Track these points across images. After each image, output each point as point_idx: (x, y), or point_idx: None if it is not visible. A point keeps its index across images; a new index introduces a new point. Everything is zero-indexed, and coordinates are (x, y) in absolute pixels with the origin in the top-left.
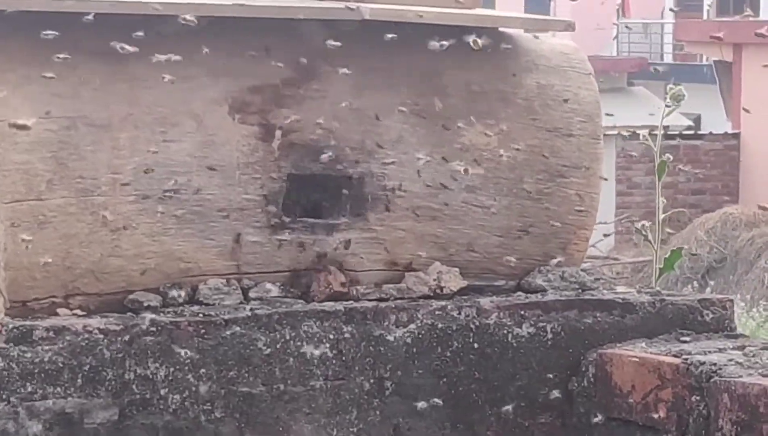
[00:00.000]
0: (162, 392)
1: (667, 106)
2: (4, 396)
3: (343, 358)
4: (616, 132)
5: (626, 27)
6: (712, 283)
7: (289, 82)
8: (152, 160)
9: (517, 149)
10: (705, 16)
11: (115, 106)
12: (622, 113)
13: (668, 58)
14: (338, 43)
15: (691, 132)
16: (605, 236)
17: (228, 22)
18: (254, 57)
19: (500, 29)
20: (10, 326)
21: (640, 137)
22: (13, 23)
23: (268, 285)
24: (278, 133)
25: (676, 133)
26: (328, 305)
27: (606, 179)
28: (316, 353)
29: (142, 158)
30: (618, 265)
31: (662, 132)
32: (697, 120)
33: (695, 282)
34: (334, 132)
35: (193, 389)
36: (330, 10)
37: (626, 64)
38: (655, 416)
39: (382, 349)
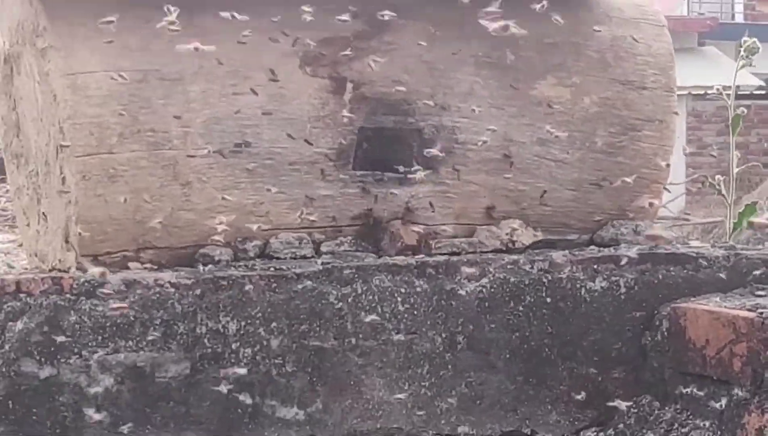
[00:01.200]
0: (233, 346)
1: (740, 58)
2: (76, 350)
3: (415, 312)
4: (686, 92)
5: None
6: None
7: (360, 35)
8: (223, 113)
9: (590, 102)
10: None
11: (185, 59)
12: (693, 73)
13: (740, 18)
14: None
15: (763, 91)
16: (668, 192)
17: None
18: (326, 9)
19: None
20: (81, 279)
21: (714, 90)
22: None
23: (340, 239)
24: (349, 86)
25: (747, 93)
26: (400, 259)
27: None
28: (388, 307)
29: (213, 111)
30: (688, 225)
31: (735, 88)
32: None
33: (766, 242)
34: (406, 85)
35: (265, 343)
36: None
37: (696, 24)
38: (730, 370)
39: (453, 303)
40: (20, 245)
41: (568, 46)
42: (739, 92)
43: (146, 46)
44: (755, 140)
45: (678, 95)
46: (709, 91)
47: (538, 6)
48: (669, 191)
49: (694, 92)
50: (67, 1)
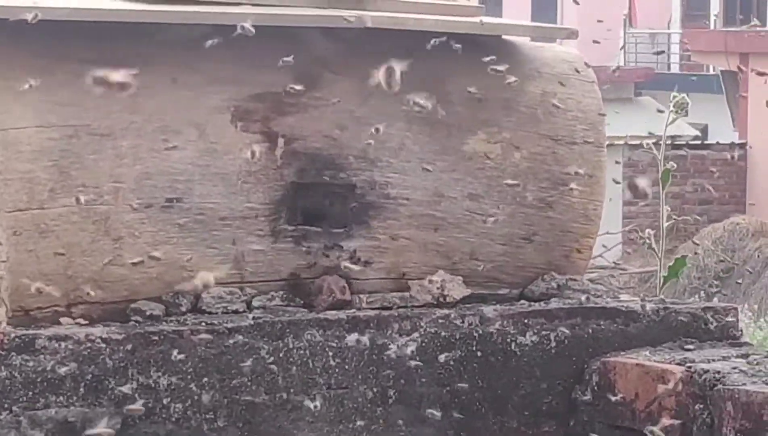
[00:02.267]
0: (165, 401)
1: (670, 113)
2: (6, 405)
3: (346, 366)
4: (622, 142)
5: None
6: (718, 292)
7: (291, 90)
8: (155, 168)
9: (521, 157)
10: (712, 26)
11: (116, 114)
12: (629, 123)
13: (675, 68)
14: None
15: (698, 142)
16: (605, 247)
17: (230, 30)
18: (257, 65)
19: (503, 37)
20: (13, 334)
21: (644, 145)
22: (13, 32)
23: (272, 293)
24: (281, 141)
25: (683, 142)
26: (331, 314)
27: (619, 183)
28: (319, 362)
29: (144, 167)
30: (625, 275)
31: (669, 142)
32: (705, 130)
33: (702, 292)
34: (338, 140)
35: (196, 398)
36: (332, 18)
37: (633, 74)
38: (659, 424)
39: (385, 357)
40: None
41: (499, 101)
42: (675, 142)
43: (77, 101)
44: (691, 190)
45: (614, 145)
46: (644, 141)
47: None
48: (605, 247)
49: (630, 142)
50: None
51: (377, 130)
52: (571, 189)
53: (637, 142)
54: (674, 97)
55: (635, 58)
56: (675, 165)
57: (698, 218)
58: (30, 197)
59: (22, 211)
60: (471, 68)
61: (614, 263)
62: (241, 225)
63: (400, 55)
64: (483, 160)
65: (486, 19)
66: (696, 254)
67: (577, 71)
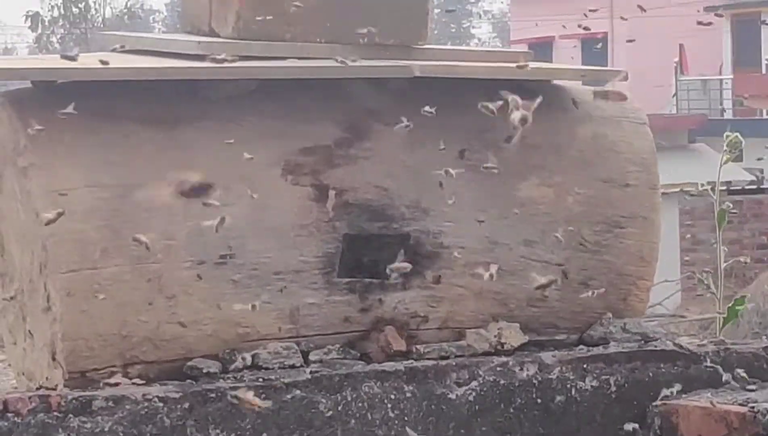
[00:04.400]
0: None
1: (724, 153)
2: None
3: (405, 418)
4: (678, 189)
5: (675, 84)
6: None
7: (340, 142)
8: (207, 224)
9: (574, 201)
10: (764, 70)
11: (167, 172)
12: (684, 170)
13: (728, 114)
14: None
15: (754, 186)
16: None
17: (278, 84)
18: (305, 118)
19: (554, 81)
20: (69, 396)
21: (698, 187)
22: (64, 93)
23: (328, 347)
24: (332, 193)
25: (739, 187)
26: (389, 365)
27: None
28: (378, 414)
29: (196, 223)
30: (685, 322)
31: (725, 188)
32: (760, 175)
33: (764, 336)
34: (389, 190)
35: None
36: (380, 68)
37: (686, 122)
38: None
39: (444, 408)
40: (8, 365)
41: (550, 146)
42: (731, 187)
43: (126, 160)
44: (749, 235)
45: (670, 193)
46: (699, 185)
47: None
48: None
49: (685, 189)
50: (46, 121)
51: (447, 172)
52: (626, 231)
53: (693, 188)
54: (727, 136)
55: (687, 105)
56: (731, 205)
57: (753, 261)
58: (82, 257)
59: (75, 272)
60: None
61: (678, 309)
62: (295, 279)
63: (449, 103)
64: (536, 205)
65: (534, 65)
66: (756, 297)
67: (628, 113)
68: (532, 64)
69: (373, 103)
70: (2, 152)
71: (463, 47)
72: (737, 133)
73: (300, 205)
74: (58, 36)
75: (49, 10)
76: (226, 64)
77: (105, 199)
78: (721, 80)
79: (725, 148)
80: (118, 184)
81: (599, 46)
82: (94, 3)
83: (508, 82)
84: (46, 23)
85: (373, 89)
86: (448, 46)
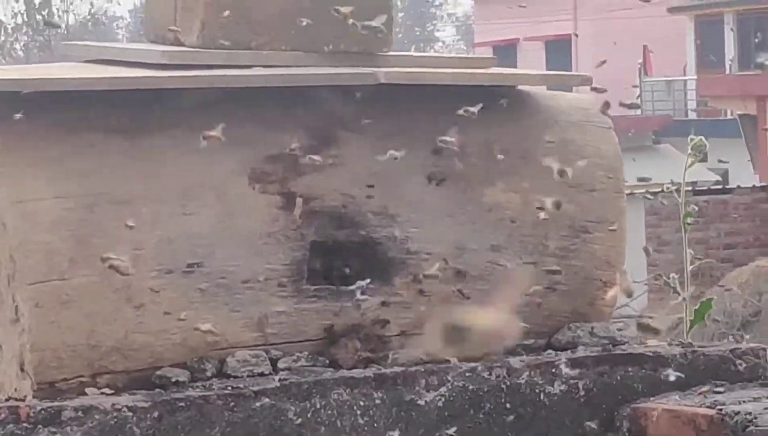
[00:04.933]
0: None
1: (689, 156)
2: None
3: (375, 424)
4: (643, 190)
5: (640, 85)
6: (747, 336)
7: (307, 150)
8: (174, 233)
9: (540, 207)
10: (728, 71)
11: (134, 181)
12: (649, 171)
13: (693, 115)
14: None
15: (719, 187)
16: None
17: (243, 91)
18: (271, 126)
19: (518, 87)
20: (38, 407)
21: (664, 189)
22: (27, 103)
23: (296, 354)
24: (299, 201)
25: (704, 188)
26: (357, 372)
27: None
28: (348, 420)
29: (164, 232)
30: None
31: (690, 188)
32: (725, 175)
33: (730, 336)
34: (356, 198)
35: None
36: (345, 75)
37: (651, 123)
38: None
39: (413, 414)
40: None
41: (517, 151)
42: (696, 188)
43: (93, 170)
44: (714, 235)
45: (635, 193)
46: (664, 188)
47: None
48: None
49: (651, 190)
50: (11, 132)
51: (397, 180)
52: (594, 236)
53: (658, 189)
54: (692, 140)
55: (652, 106)
56: (696, 208)
57: (719, 261)
58: (50, 268)
59: (43, 283)
60: (485, 120)
61: (645, 311)
62: (263, 287)
63: (414, 110)
64: (503, 210)
65: (499, 70)
66: (723, 297)
67: (594, 118)
68: (497, 70)
69: (339, 110)
70: None
71: (429, 54)
72: (701, 137)
73: (267, 214)
74: (22, 43)
75: (12, 18)
76: (190, 73)
77: (72, 210)
78: (685, 81)
79: (690, 151)
80: (84, 193)
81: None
82: (57, 10)
83: (473, 88)
84: (9, 30)
85: (339, 96)
86: (414, 53)
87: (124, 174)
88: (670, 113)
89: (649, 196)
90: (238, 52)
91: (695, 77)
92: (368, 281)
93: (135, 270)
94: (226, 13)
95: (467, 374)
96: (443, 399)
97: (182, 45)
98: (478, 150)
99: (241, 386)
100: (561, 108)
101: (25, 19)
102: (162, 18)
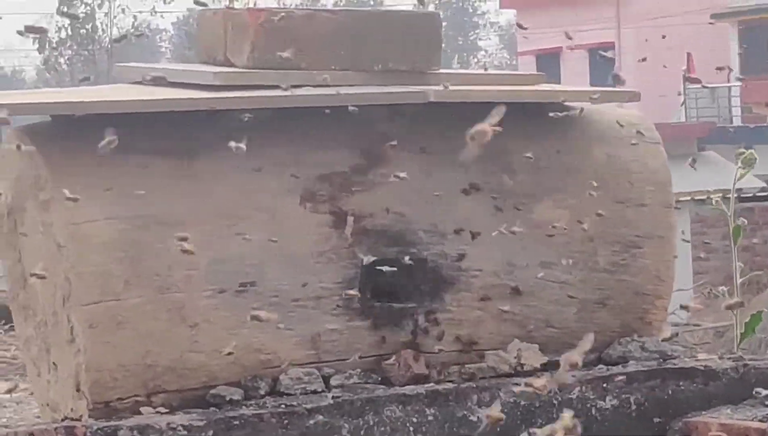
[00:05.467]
0: None
1: (738, 169)
2: None
3: None
4: (689, 198)
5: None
6: None
7: (357, 169)
8: (226, 254)
9: (590, 222)
10: None
11: (186, 202)
12: (694, 179)
13: (737, 121)
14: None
15: (765, 193)
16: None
17: (294, 112)
18: (321, 145)
19: (566, 103)
20: (95, 427)
21: (713, 202)
22: (77, 126)
23: (349, 371)
24: (350, 219)
25: (750, 195)
26: (410, 389)
27: (688, 241)
28: None
29: (216, 253)
30: (699, 330)
31: (736, 195)
32: None
33: None
34: (406, 216)
35: None
36: (395, 94)
37: (695, 130)
38: None
39: (466, 430)
40: (31, 394)
41: (564, 167)
42: (742, 195)
43: (145, 192)
44: (761, 242)
45: (681, 202)
46: (711, 196)
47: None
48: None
49: (696, 198)
50: (66, 154)
51: (446, 197)
52: (643, 251)
53: (704, 196)
54: (741, 153)
55: (696, 113)
56: (746, 221)
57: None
58: (104, 289)
59: (97, 304)
60: (533, 137)
61: (692, 318)
62: (315, 305)
63: (464, 128)
64: (552, 227)
65: (547, 87)
66: None
67: (642, 133)
68: (545, 86)
69: (388, 129)
70: (23, 186)
71: (477, 71)
72: (752, 151)
73: (319, 233)
74: (66, 57)
75: (56, 32)
76: (243, 94)
77: (124, 231)
78: (729, 88)
79: (739, 164)
80: (137, 215)
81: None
82: (101, 24)
83: (521, 105)
84: (54, 44)
85: (389, 115)
86: (462, 70)
87: (176, 195)
88: (715, 120)
89: (697, 207)
90: (287, 72)
91: (739, 84)
92: (419, 299)
93: (188, 290)
94: (276, 34)
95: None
96: None
97: (233, 66)
98: (527, 167)
99: (295, 403)
100: (609, 123)
101: (69, 33)
102: (213, 40)
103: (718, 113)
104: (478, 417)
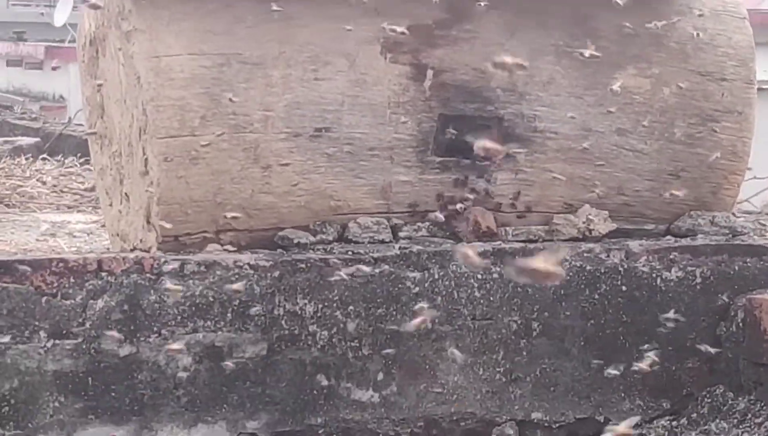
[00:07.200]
0: (310, 328)
1: None
2: (156, 328)
3: (491, 298)
4: None
5: None
6: None
7: (441, 23)
8: (304, 97)
9: (670, 93)
10: None
11: (268, 43)
12: None
13: None
14: None
15: None
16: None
17: None
18: None
19: None
20: (162, 259)
21: None
22: None
23: (418, 224)
24: (430, 73)
25: None
26: (476, 245)
27: None
28: (464, 293)
29: (294, 96)
30: None
31: None
32: None
33: None
34: (486, 73)
35: (341, 325)
36: None
37: None
38: None
39: (529, 290)
40: (102, 226)
41: (649, 37)
42: None
43: (228, 30)
44: None
45: (762, 89)
46: None
47: None
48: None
49: None
50: None
51: (529, 58)
52: (721, 125)
53: None
54: None
55: None
56: None
57: None
58: (181, 124)
59: (173, 138)
60: (620, 5)
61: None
62: (389, 156)
63: None
64: (631, 95)
65: None
66: None
67: (728, 7)
68: None
69: None
70: (106, 15)
71: None
72: None
73: (398, 83)
74: None
75: None
76: None
77: (206, 67)
78: None
79: None
80: (219, 53)
81: None
82: None
83: None
84: None
85: None
86: None
87: (258, 36)
88: None
89: None
90: None
91: None
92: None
93: (264, 131)
94: None
95: (585, 255)
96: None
97: None
98: (611, 34)
99: (362, 251)
100: None
101: None
102: None
103: None
104: None
